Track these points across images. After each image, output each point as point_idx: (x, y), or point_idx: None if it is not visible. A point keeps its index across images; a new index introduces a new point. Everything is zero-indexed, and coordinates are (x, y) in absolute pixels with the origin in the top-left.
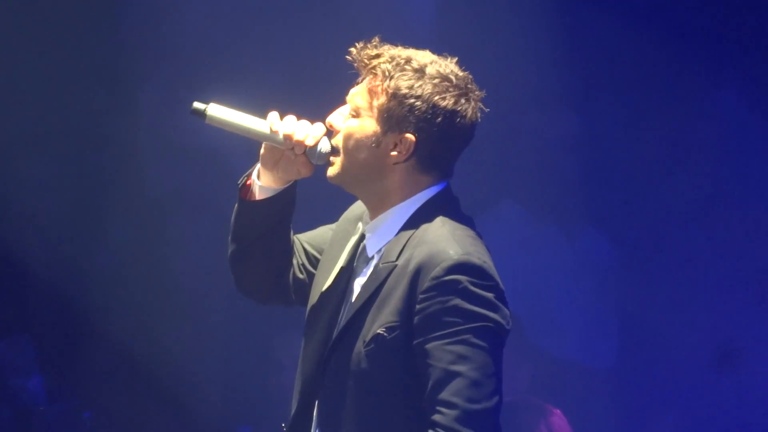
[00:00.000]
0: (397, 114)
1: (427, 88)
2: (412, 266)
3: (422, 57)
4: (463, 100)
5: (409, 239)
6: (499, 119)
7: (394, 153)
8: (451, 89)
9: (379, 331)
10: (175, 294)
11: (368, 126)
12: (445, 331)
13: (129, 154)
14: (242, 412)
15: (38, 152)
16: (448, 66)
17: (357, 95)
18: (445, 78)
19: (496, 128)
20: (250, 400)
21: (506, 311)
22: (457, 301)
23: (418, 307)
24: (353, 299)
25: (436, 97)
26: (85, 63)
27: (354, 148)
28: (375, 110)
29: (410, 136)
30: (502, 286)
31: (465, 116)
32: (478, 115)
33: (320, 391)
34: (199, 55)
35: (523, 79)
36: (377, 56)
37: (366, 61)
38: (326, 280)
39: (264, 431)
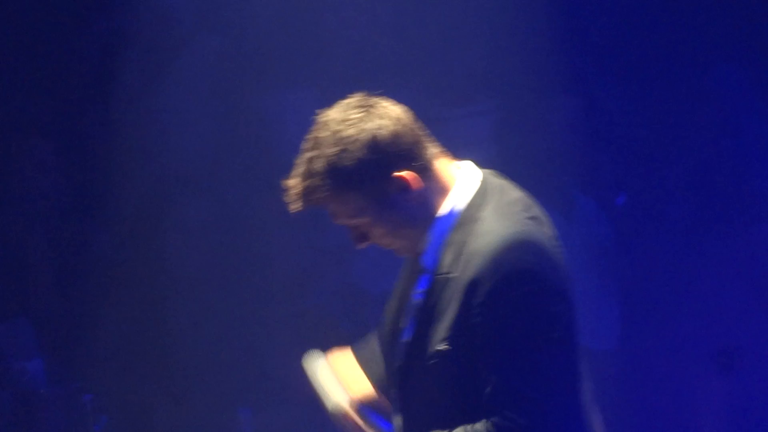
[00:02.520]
0: (368, 184)
1: (350, 150)
2: (465, 278)
3: (319, 143)
4: (367, 126)
5: (460, 247)
6: (496, 103)
7: (410, 195)
8: (356, 127)
9: (438, 346)
10: (176, 277)
11: (382, 217)
12: (497, 345)
13: (130, 138)
14: (242, 395)
15: (37, 135)
16: (334, 120)
17: (343, 217)
18: (345, 128)
19: (495, 113)
20: (250, 382)
21: (563, 314)
22: (509, 314)
23: (473, 321)
24: (414, 313)
25: (362, 141)
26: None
27: (400, 234)
28: (359, 208)
29: (396, 177)
30: (560, 282)
31: (384, 123)
32: (389, 112)
33: (395, 398)
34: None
35: (522, 62)
36: (307, 189)
37: (308, 200)
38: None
39: (264, 413)
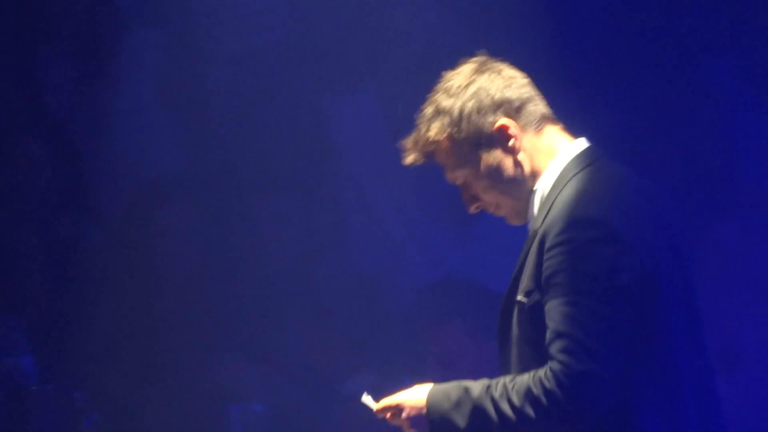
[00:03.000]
0: (473, 131)
1: (459, 96)
2: (543, 231)
3: (435, 93)
4: (477, 76)
5: (549, 207)
6: None
7: (514, 145)
8: (469, 78)
9: (519, 298)
10: (167, 275)
11: (484, 167)
12: (560, 290)
13: (124, 135)
14: (232, 392)
15: (28, 130)
16: (452, 73)
17: (456, 172)
18: (459, 79)
19: None
20: (240, 379)
21: (630, 268)
22: (573, 260)
23: (543, 269)
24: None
25: (471, 90)
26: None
27: (513, 186)
28: (475, 154)
29: (500, 124)
30: (633, 236)
31: (492, 73)
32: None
33: (500, 358)
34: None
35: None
36: (427, 140)
37: (418, 149)
38: None
39: (254, 409)
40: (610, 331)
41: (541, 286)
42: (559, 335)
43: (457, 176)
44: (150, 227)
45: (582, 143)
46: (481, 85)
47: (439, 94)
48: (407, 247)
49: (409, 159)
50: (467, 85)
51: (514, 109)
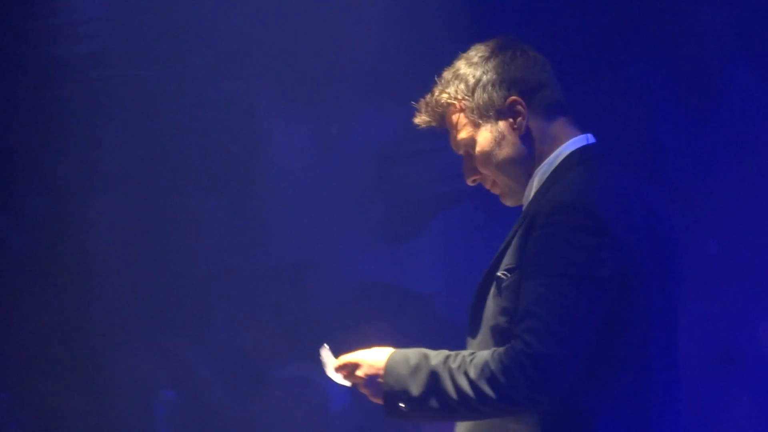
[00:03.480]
0: (484, 102)
1: (478, 67)
2: (533, 212)
3: (458, 60)
4: (501, 50)
5: (546, 191)
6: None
7: (517, 119)
8: (492, 52)
9: (499, 274)
10: (92, 276)
11: (487, 138)
12: (538, 271)
13: (43, 133)
14: (158, 393)
15: None
16: (479, 45)
17: (462, 140)
18: (483, 51)
19: None
20: (165, 381)
21: (611, 262)
22: (555, 243)
23: (527, 247)
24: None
25: (492, 63)
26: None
27: (516, 165)
28: (473, 124)
29: (510, 100)
30: (620, 234)
31: (516, 53)
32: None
33: (469, 333)
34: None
35: None
36: (438, 103)
37: (428, 110)
38: None
39: (178, 400)
40: (578, 319)
41: (522, 265)
42: (527, 314)
43: (460, 144)
44: (73, 225)
45: (588, 138)
46: (503, 59)
47: (461, 61)
48: (331, 250)
49: (419, 119)
50: (489, 57)
51: (530, 90)
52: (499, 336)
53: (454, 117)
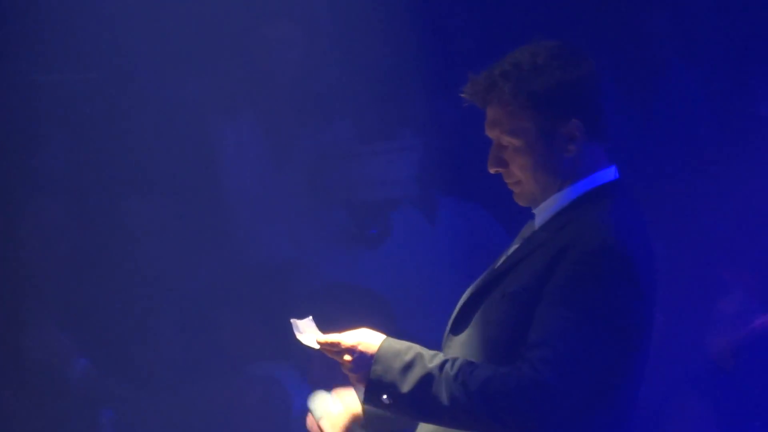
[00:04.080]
0: (548, 115)
1: (555, 75)
2: (563, 240)
3: (521, 54)
4: (580, 61)
5: (570, 217)
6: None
7: (570, 147)
8: (568, 60)
9: (516, 288)
10: (33, 279)
11: (536, 146)
12: (566, 303)
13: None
14: (105, 396)
15: None
16: (545, 47)
17: (503, 130)
18: (556, 57)
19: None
20: (112, 384)
21: (638, 312)
22: (588, 282)
23: (554, 277)
24: (507, 255)
25: (565, 75)
26: None
27: (544, 175)
28: (530, 129)
29: (573, 121)
30: (647, 286)
31: (592, 73)
32: (593, 66)
33: (452, 330)
34: None
35: None
36: (493, 84)
37: (487, 94)
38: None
39: (128, 414)
40: (589, 358)
41: (544, 289)
42: (544, 344)
43: (504, 140)
44: (14, 231)
45: (615, 171)
46: (579, 76)
47: (529, 57)
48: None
49: (467, 95)
50: (565, 69)
51: (592, 115)
52: (495, 348)
53: (509, 113)
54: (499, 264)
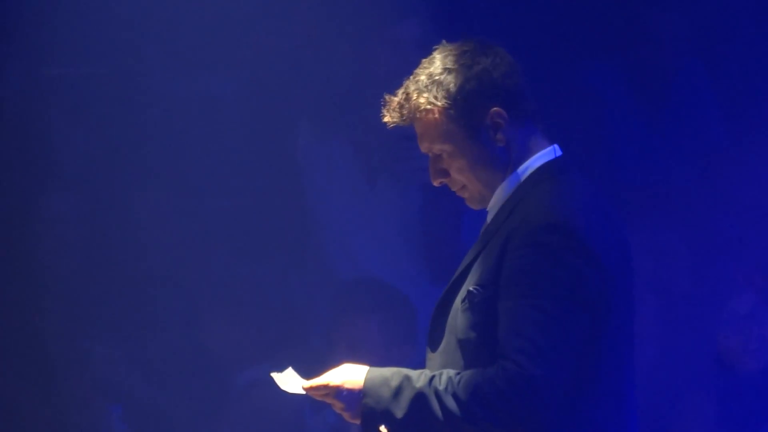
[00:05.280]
0: (469, 113)
1: (464, 71)
2: (509, 227)
3: (428, 65)
4: (488, 53)
5: (514, 203)
6: None
7: (499, 136)
8: (474, 57)
9: (471, 289)
10: (48, 274)
11: (471, 148)
12: (523, 292)
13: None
14: (115, 392)
15: None
16: (451, 49)
17: (433, 143)
18: (462, 53)
19: None
20: (123, 379)
21: (595, 281)
22: (541, 263)
23: (506, 265)
24: (465, 260)
25: (474, 70)
26: None
27: (487, 174)
28: (457, 132)
29: (494, 111)
30: (600, 252)
31: (504, 61)
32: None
33: (429, 345)
34: None
35: None
36: (407, 100)
37: (404, 113)
38: None
39: (137, 410)
40: (566, 339)
41: (499, 282)
42: (516, 335)
43: (435, 149)
44: (29, 226)
45: (555, 150)
46: (486, 67)
47: (437, 63)
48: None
49: (388, 119)
50: (470, 65)
51: (512, 101)
52: (470, 351)
53: (431, 124)
54: (459, 269)
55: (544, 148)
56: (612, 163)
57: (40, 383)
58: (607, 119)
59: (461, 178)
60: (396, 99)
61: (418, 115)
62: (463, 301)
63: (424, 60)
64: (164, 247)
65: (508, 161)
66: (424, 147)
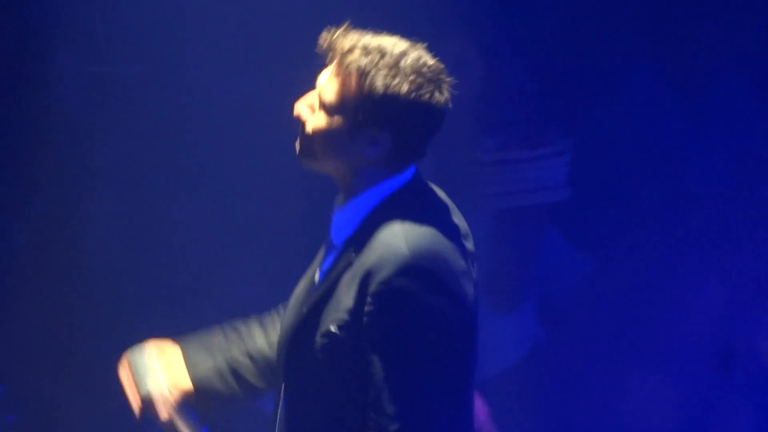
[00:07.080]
0: (372, 113)
1: (404, 87)
2: (365, 265)
3: (395, 47)
4: (437, 93)
5: (370, 235)
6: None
7: (369, 149)
8: (425, 85)
9: (331, 327)
10: (90, 272)
11: (340, 123)
12: (387, 341)
13: (38, 129)
14: None
15: None
16: (421, 57)
17: (327, 88)
18: (419, 73)
19: None
20: None
21: (456, 322)
22: (403, 310)
23: (366, 309)
24: (315, 288)
25: (413, 95)
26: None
27: (325, 145)
28: (348, 107)
29: (386, 134)
30: (459, 287)
31: (439, 108)
32: (450, 103)
33: (284, 380)
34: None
35: None
36: (351, 50)
37: (339, 53)
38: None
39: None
40: (437, 388)
41: (359, 322)
42: (390, 400)
43: (324, 96)
44: (72, 224)
45: (416, 173)
46: (417, 95)
47: (406, 58)
48: None
49: (322, 42)
50: (408, 77)
51: (404, 142)
52: (339, 406)
53: (343, 78)
54: (309, 291)
55: (401, 171)
56: (652, 165)
57: (85, 383)
58: (648, 121)
59: (312, 135)
60: (341, 38)
61: (342, 65)
62: (323, 336)
63: (390, 36)
64: (204, 246)
65: (358, 167)
66: (319, 84)
